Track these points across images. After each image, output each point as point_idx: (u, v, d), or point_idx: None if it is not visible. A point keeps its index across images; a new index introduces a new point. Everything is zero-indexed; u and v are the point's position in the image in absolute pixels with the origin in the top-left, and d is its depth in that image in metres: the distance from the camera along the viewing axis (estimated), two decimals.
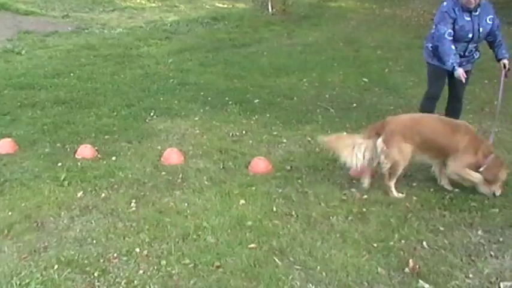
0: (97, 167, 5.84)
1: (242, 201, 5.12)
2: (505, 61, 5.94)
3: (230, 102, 7.96)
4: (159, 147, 6.37)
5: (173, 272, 4.07)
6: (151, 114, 7.51)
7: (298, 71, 9.85)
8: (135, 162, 5.99)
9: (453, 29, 5.81)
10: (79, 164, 5.92)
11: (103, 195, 5.26)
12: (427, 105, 6.54)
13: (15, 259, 4.24)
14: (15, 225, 4.69)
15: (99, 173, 5.70)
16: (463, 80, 5.86)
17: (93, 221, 4.80)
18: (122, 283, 3.96)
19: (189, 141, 6.64)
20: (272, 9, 15.88)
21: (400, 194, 5.27)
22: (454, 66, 5.76)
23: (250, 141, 6.65)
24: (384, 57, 10.71)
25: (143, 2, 17.71)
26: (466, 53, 6.00)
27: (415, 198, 5.17)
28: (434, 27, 6.11)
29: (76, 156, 6.14)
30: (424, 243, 4.48)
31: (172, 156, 6.05)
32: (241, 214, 4.89)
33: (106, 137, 6.71)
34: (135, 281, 3.97)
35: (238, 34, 13.45)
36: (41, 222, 4.77)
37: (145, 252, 4.33)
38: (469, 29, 5.81)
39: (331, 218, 4.85)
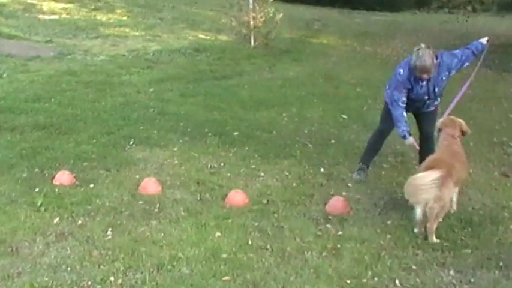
0: (74, 194, 5.84)
1: (218, 233, 5.16)
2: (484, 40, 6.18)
3: (209, 134, 8.02)
4: (137, 176, 6.39)
5: None
6: (131, 142, 7.53)
7: (278, 105, 9.97)
8: (113, 191, 6.00)
9: (408, 95, 6.01)
10: (56, 190, 5.90)
11: (79, 222, 5.26)
12: (377, 141, 6.74)
13: None
14: None
15: (76, 199, 5.70)
16: (417, 147, 6.27)
17: (68, 248, 4.79)
18: None
19: (167, 171, 6.67)
20: (254, 42, 16.06)
21: (438, 240, 5.20)
22: (405, 135, 6.07)
23: (228, 174, 6.70)
24: (362, 94, 10.89)
25: (127, 30, 17.79)
26: (425, 106, 6.24)
27: (389, 236, 5.24)
28: (393, 76, 6.22)
29: (54, 182, 6.12)
30: (397, 281, 4.54)
31: (149, 185, 6.07)
32: (217, 246, 4.92)
33: (84, 163, 6.71)
34: None
35: (219, 66, 13.57)
36: (16, 248, 4.75)
37: (119, 281, 4.33)
38: (424, 93, 6.02)
39: (305, 253, 4.91)
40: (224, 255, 4.77)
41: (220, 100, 10.14)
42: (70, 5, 20.77)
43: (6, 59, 12.83)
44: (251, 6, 16.14)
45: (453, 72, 6.04)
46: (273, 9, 16.13)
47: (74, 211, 5.45)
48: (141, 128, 8.20)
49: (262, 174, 6.74)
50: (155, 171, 6.63)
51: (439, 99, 6.30)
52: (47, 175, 6.33)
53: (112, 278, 4.36)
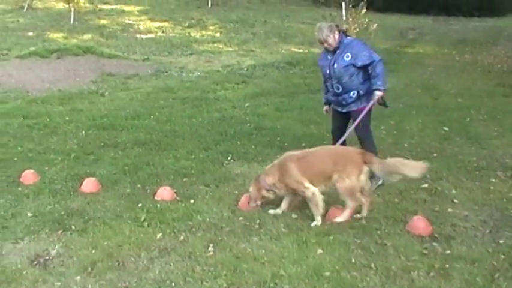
0: (175, 209, 5.93)
1: (319, 251, 5.04)
2: (377, 92, 6.40)
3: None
4: (236, 192, 6.40)
5: None
6: (228, 158, 7.59)
7: (376, 118, 9.64)
8: (213, 206, 6.03)
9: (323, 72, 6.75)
10: (158, 205, 6.02)
11: (181, 237, 5.32)
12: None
13: None
14: (97, 264, 4.82)
15: (178, 215, 5.78)
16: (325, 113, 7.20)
17: (171, 264, 4.84)
18: None
19: None
20: None
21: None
22: (323, 102, 7.11)
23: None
24: (464, 105, 10.44)
25: (220, 46, 18.14)
26: (335, 90, 6.63)
27: (502, 256, 4.90)
28: None
29: (156, 197, 6.26)
30: None
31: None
32: (319, 264, 4.81)
33: (184, 179, 6.82)
34: None
35: (313, 79, 13.46)
36: (122, 262, 4.87)
37: None
38: (326, 66, 6.61)
39: (411, 272, 4.69)
40: (327, 274, 4.65)
41: (316, 114, 10.03)
42: (165, 24, 21.54)
43: (107, 78, 13.43)
44: (344, 18, 16.03)
45: (358, 63, 6.38)
46: (366, 20, 15.92)
47: (176, 227, 5.52)
48: (238, 143, 8.26)
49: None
50: None
51: (351, 95, 6.54)
52: (148, 191, 6.48)
53: None
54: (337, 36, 6.46)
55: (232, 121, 9.56)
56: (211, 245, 5.16)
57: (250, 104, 10.87)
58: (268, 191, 5.87)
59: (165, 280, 4.59)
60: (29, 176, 6.80)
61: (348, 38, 6.60)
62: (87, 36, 18.83)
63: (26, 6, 23.44)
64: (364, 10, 16.03)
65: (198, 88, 12.36)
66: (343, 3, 16.26)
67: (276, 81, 13.21)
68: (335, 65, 6.48)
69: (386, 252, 5.04)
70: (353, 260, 4.89)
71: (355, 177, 5.66)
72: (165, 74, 14.08)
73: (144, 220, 5.64)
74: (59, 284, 4.56)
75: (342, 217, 5.69)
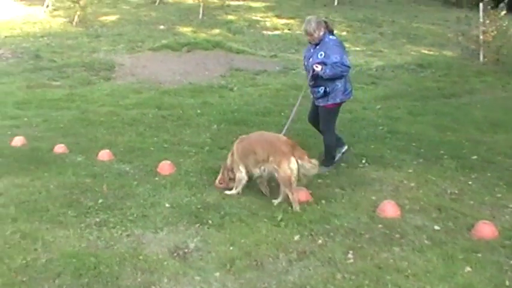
0: (312, 211, 5.79)
1: (468, 268, 4.72)
2: (317, 67, 6.65)
3: (445, 157, 7.53)
4: (374, 198, 6.16)
5: None
6: (363, 161, 7.35)
7: None
8: (350, 211, 5.84)
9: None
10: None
11: (319, 241, 5.17)
12: None
13: None
14: (236, 261, 4.79)
15: (314, 217, 5.63)
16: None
17: (310, 268, 4.72)
18: None
19: (404, 194, 6.33)
20: (483, 58, 15.05)
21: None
22: None
23: (471, 202, 6.17)
24: None
25: (347, 46, 17.67)
26: (309, 82, 6.93)
27: None
28: None
29: None
30: None
31: (388, 208, 5.79)
32: (468, 283, 4.50)
33: (319, 180, 6.64)
34: None
35: (446, 83, 12.89)
36: (260, 262, 4.81)
37: None
38: (306, 58, 7.03)
39: None
40: None
41: (452, 120, 9.57)
42: (291, 21, 21.49)
43: (236, 73, 13.56)
44: (481, 20, 15.18)
45: (328, 63, 6.62)
46: (506, 23, 14.98)
47: (313, 229, 5.38)
48: (372, 146, 8.00)
49: (511, 205, 6.09)
50: (391, 193, 6.34)
51: (321, 89, 6.85)
52: None
53: None
54: (321, 33, 6.74)
55: (364, 123, 9.30)
56: (351, 251, 4.98)
57: (381, 106, 10.54)
58: (231, 171, 6.28)
59: (304, 285, 4.47)
60: (165, 167, 6.94)
61: (330, 37, 6.81)
62: (215, 31, 19.17)
63: (157, 0, 24.29)
64: (504, 12, 15.04)
65: None
66: (480, 4, 15.31)
67: (407, 84, 12.73)
68: (310, 59, 6.86)
69: None
70: (507, 283, 4.52)
71: (286, 166, 5.80)
72: (293, 71, 13.99)
73: (281, 220, 5.55)
74: (199, 278, 4.56)
75: (294, 208, 5.79)
